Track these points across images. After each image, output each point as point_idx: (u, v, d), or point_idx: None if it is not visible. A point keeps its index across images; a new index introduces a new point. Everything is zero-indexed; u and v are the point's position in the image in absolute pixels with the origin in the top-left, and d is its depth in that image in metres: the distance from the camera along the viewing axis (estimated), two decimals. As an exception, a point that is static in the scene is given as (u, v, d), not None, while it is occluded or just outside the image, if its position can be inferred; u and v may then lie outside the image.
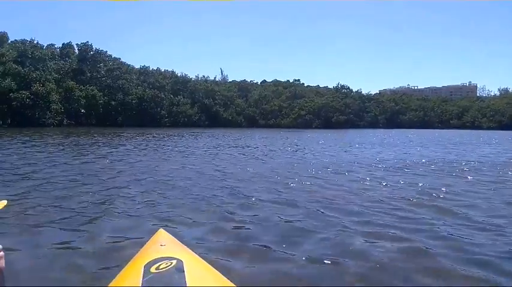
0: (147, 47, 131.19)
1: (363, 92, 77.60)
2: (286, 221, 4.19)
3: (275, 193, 5.69)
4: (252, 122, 60.23)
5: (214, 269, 1.65)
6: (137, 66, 57.78)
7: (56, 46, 51.78)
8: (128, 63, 56.94)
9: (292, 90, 69.46)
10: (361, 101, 72.36)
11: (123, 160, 10.05)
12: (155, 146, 15.58)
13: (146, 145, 15.74)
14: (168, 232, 2.06)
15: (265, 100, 64.97)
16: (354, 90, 74.53)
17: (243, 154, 12.12)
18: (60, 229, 3.82)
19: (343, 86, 73.46)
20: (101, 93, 46.17)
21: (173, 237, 1.98)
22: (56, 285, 2.44)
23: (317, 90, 73.57)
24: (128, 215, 4.32)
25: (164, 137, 22.75)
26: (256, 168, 8.51)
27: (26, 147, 13.73)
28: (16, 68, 39.23)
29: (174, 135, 24.42)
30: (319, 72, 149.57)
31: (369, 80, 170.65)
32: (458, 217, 4.57)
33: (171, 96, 54.01)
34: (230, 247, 3.23)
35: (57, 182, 6.45)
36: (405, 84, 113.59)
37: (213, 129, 44.49)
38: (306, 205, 4.99)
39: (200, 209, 4.72)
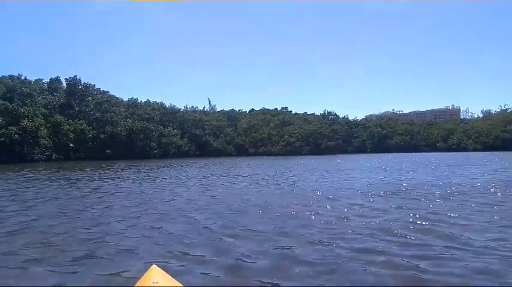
0: (134, 79, 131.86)
1: (349, 118, 79.16)
2: (280, 250, 4.25)
3: (270, 223, 5.72)
4: (241, 151, 60.51)
5: None
6: (126, 98, 58.37)
7: (43, 81, 52.16)
8: (117, 96, 57.47)
9: (281, 118, 70.42)
10: (349, 126, 73.67)
11: (115, 193, 10.04)
12: (147, 177, 15.58)
13: (137, 177, 15.73)
14: (160, 267, 2.03)
15: (254, 128, 65.62)
16: (340, 117, 75.98)
17: (235, 183, 12.17)
18: (50, 269, 3.78)
19: (329, 113, 74.84)
20: (90, 127, 46.15)
21: (166, 273, 1.96)
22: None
23: (305, 118, 74.79)
24: (119, 250, 4.33)
25: (154, 168, 22.77)
26: (251, 196, 8.55)
27: (15, 183, 13.64)
28: (4, 104, 39.21)
29: (165, 167, 24.40)
30: (306, 100, 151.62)
31: (355, 106, 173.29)
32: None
33: (161, 127, 54.21)
34: (225, 282, 3.27)
35: (47, 218, 6.44)
36: (390, 109, 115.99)
37: (203, 158, 44.45)
38: (298, 234, 5.03)
39: (194, 242, 4.70)
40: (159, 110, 59.18)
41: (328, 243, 4.39)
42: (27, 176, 17.13)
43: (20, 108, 39.67)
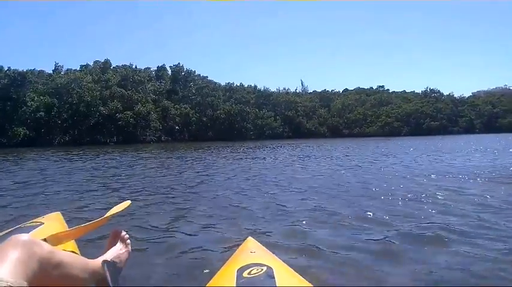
0: (230, 63, 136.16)
1: (454, 95, 72.60)
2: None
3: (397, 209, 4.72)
4: (335, 132, 59.57)
5: (302, 277, 1.67)
6: (223, 83, 60.81)
7: (151, 69, 56.54)
8: (215, 81, 60.17)
9: (377, 97, 67.42)
10: (454, 105, 67.70)
11: (222, 172, 10.33)
12: (259, 156, 15.90)
13: (247, 155, 16.16)
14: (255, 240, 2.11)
15: (349, 109, 63.94)
16: (444, 94, 70.12)
17: (339, 165, 11.67)
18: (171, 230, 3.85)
19: (432, 90, 69.57)
20: (193, 111, 49.19)
21: (261, 245, 2.04)
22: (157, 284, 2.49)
23: (404, 96, 70.48)
24: (222, 221, 4.20)
25: (260, 147, 23.32)
26: (351, 179, 8.02)
27: (134, 160, 15.17)
28: (120, 91, 43.46)
29: (266, 147, 24.93)
30: (405, 77, 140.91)
31: (460, 82, 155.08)
32: None
33: (256, 110, 55.63)
34: (314, 258, 2.93)
35: (162, 191, 6.84)
36: (502, 85, 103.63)
37: (297, 140, 44.57)
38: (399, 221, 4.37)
39: (286, 219, 4.27)
40: (254, 93, 60.60)
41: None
42: (145, 154, 18.77)
43: (133, 95, 43.69)
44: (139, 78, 48.07)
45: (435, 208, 4.52)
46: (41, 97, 39.95)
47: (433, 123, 59.28)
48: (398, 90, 75.64)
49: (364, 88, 75.93)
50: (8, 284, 1.08)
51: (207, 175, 9.28)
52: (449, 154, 15.19)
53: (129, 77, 47.72)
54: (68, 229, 2.15)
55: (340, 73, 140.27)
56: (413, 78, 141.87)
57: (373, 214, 4.31)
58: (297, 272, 1.69)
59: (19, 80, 40.15)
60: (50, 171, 11.26)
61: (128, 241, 1.95)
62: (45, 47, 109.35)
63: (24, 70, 42.22)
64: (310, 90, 74.25)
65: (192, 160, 15.13)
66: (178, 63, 54.52)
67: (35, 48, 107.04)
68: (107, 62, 52.80)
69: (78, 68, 51.22)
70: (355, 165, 10.99)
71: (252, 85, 63.84)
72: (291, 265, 1.75)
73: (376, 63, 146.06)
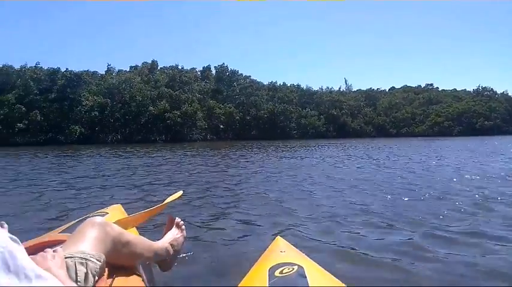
0: (273, 63, 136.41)
1: (509, 94, 68.37)
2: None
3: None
4: (382, 131, 58.08)
5: (334, 277, 1.64)
6: (266, 82, 61.14)
7: (197, 69, 58.00)
8: (258, 81, 60.63)
9: (426, 96, 64.94)
10: (508, 104, 63.76)
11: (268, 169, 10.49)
12: (302, 155, 15.90)
13: (296, 155, 16.24)
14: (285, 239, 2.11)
15: (396, 108, 62.05)
16: (498, 92, 66.25)
17: (384, 166, 11.30)
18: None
19: (485, 88, 65.94)
20: (237, 110, 49.96)
21: (290, 244, 2.03)
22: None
23: (454, 94, 67.38)
24: (246, 222, 4.22)
25: (303, 147, 23.31)
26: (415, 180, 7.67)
27: (181, 157, 15.73)
28: (168, 91, 45.01)
29: (310, 146, 24.83)
30: (455, 75, 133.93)
31: None
32: None
33: (299, 109, 55.48)
34: (347, 259, 2.94)
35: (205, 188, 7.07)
36: None
37: (341, 139, 43.82)
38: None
39: (319, 220, 4.25)
40: (297, 92, 60.43)
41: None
42: (194, 151, 19.39)
43: (180, 95, 45.10)
44: (185, 78, 49.55)
45: (487, 215, 4.27)
46: (95, 97, 42.26)
47: (487, 123, 56.21)
48: (448, 89, 72.49)
49: (411, 86, 73.42)
50: (90, 256, 1.27)
51: (250, 172, 9.54)
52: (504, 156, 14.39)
53: (176, 77, 49.29)
54: (131, 216, 2.42)
55: (385, 71, 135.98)
56: (463, 76, 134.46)
57: (411, 215, 4.25)
58: (328, 271, 1.69)
59: (75, 80, 42.65)
60: (107, 167, 12.07)
61: (183, 226, 2.15)
62: (98, 49, 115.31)
63: (79, 71, 44.87)
64: (354, 89, 72.90)
65: (236, 157, 15.52)
66: (223, 63, 55.69)
67: (89, 50, 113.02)
68: (154, 63, 54.71)
69: (128, 69, 53.72)
70: (401, 166, 10.77)
71: (295, 84, 63.72)
72: (322, 265, 1.75)
73: (424, 60, 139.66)
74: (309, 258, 1.81)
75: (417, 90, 70.46)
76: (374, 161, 12.81)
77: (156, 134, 42.27)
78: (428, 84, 73.43)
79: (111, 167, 12.00)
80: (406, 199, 5.30)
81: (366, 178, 7.82)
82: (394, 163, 11.69)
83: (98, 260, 1.28)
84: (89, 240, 1.36)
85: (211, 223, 4.10)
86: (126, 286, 1.45)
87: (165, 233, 2.06)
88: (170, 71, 52.22)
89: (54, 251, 1.20)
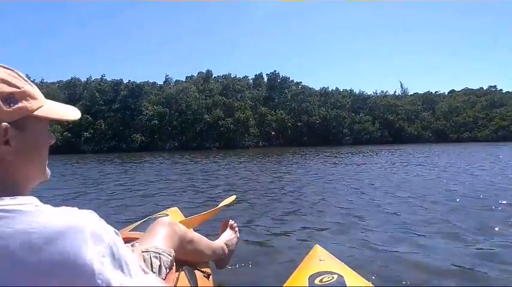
0: (323, 68, 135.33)
1: None
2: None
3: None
4: (441, 137, 55.26)
5: (373, 285, 1.66)
6: (317, 88, 60.85)
7: (249, 77, 59.19)
8: (310, 87, 60.52)
9: (489, 99, 60.95)
10: None
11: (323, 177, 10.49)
12: (356, 162, 15.64)
13: (355, 162, 16.09)
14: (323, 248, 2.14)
15: (456, 112, 58.85)
16: None
17: (444, 172, 10.76)
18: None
19: (557, 88, 60.62)
20: (289, 117, 50.23)
21: (329, 253, 2.04)
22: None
23: (520, 96, 62.72)
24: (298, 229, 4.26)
25: (356, 153, 22.91)
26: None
27: (235, 163, 16.14)
28: (222, 99, 46.39)
29: (363, 153, 24.33)
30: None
31: None
32: None
33: (352, 114, 54.57)
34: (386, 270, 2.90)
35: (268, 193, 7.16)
36: None
37: (398, 145, 42.22)
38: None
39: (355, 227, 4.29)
40: (350, 97, 59.46)
41: None
42: (251, 159, 19.85)
43: (233, 103, 46.29)
44: (238, 87, 50.82)
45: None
46: (154, 106, 44.66)
47: (560, 127, 51.66)
48: (513, 91, 67.49)
49: (473, 89, 69.34)
50: (162, 251, 1.44)
51: (301, 179, 9.69)
52: None
53: (229, 86, 50.70)
54: (188, 218, 2.79)
55: (444, 73, 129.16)
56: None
57: (458, 228, 4.10)
58: (367, 280, 1.71)
59: (136, 91, 45.39)
60: (165, 173, 12.92)
61: (237, 228, 2.34)
62: (156, 60, 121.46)
63: (141, 82, 47.67)
64: (411, 93, 70.22)
65: (288, 164, 15.73)
66: (275, 70, 56.49)
67: (148, 61, 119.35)
68: (209, 73, 56.66)
69: (183, 79, 56.11)
70: (462, 173, 10.27)
71: (348, 89, 62.74)
72: (361, 274, 1.76)
73: (486, 61, 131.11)
74: (348, 267, 1.82)
75: (479, 93, 66.35)
76: (436, 168, 12.31)
77: (210, 141, 43.67)
78: (491, 86, 68.93)
79: (169, 173, 12.85)
80: (457, 211, 5.14)
81: (424, 187, 7.58)
82: (455, 170, 11.26)
83: (169, 254, 1.45)
84: (160, 237, 1.53)
85: (266, 228, 4.28)
86: (191, 279, 1.64)
87: (220, 235, 2.26)
88: (224, 79, 53.82)
89: (132, 245, 1.36)
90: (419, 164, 14.01)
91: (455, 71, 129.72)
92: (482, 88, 69.20)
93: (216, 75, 57.32)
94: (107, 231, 0.70)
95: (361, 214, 4.91)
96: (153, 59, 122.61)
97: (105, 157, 24.68)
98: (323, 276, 1.59)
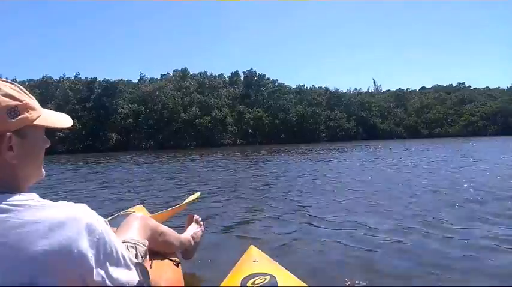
0: (300, 66, 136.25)
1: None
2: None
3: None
4: (413, 133, 56.87)
5: (306, 284, 1.69)
6: (293, 86, 61.44)
7: (224, 75, 59.17)
8: (286, 84, 61.04)
9: (459, 95, 63.16)
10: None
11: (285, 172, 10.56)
12: (331, 158, 16.08)
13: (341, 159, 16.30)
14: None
15: (428, 108, 60.73)
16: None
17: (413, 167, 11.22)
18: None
19: (521, 85, 63.37)
20: (266, 114, 50.62)
21: (264, 253, 2.07)
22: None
23: (488, 93, 65.17)
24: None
25: (332, 150, 23.35)
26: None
27: (212, 161, 16.27)
28: (198, 98, 46.31)
29: (339, 149, 24.90)
30: (487, 73, 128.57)
31: None
32: None
33: (328, 111, 55.46)
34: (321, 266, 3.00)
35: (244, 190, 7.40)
36: None
37: (372, 141, 43.17)
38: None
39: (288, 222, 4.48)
40: (325, 95, 60.34)
41: None
42: (227, 157, 20.06)
43: (210, 101, 46.29)
44: (214, 84, 50.78)
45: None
46: (130, 105, 44.13)
47: (524, 122, 53.99)
48: (481, 87, 70.17)
49: (443, 85, 71.66)
50: (138, 241, 1.55)
51: (276, 176, 9.89)
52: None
53: (205, 83, 50.61)
54: (155, 214, 3.00)
55: (414, 71, 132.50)
56: (496, 74, 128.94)
57: (407, 222, 4.28)
58: (300, 279, 1.73)
59: (111, 89, 44.71)
60: (138, 171, 13.08)
61: (201, 222, 2.53)
62: (130, 58, 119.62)
63: (115, 80, 46.96)
64: (384, 90, 71.86)
65: (261, 161, 16.05)
66: (251, 68, 56.54)
67: (122, 59, 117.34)
68: (185, 70, 56.24)
69: (159, 77, 55.58)
70: (430, 168, 10.76)
71: (323, 87, 63.65)
72: (293, 273, 1.80)
73: (455, 58, 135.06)
74: (281, 267, 1.86)
75: (449, 89, 68.66)
76: (406, 164, 12.73)
77: (188, 140, 43.54)
78: (460, 83, 71.47)
79: (141, 171, 13.03)
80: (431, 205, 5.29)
81: (393, 181, 7.90)
82: (423, 165, 11.63)
83: (143, 244, 1.56)
84: (135, 229, 1.67)
85: (226, 224, 4.45)
86: (162, 267, 1.79)
87: (187, 228, 2.43)
88: (199, 77, 53.64)
89: None
90: (384, 159, 14.57)
91: (426, 68, 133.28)
92: (451, 85, 71.58)
93: (191, 73, 56.99)
94: (99, 221, 0.86)
95: (317, 212, 5.00)
96: (128, 57, 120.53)
97: (79, 158, 24.37)
98: (256, 278, 1.60)
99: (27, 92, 0.91)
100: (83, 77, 46.40)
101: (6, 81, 0.89)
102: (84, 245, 0.78)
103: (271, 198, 6.33)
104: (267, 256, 2.03)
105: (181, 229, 2.44)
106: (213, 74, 56.74)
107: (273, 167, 12.78)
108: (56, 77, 47.20)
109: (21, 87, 0.90)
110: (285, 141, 47.42)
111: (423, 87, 74.18)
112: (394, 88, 70.68)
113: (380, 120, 58.55)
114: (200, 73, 56.68)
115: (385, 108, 60.64)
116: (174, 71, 56.75)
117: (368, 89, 70.91)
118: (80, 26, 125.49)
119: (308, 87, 62.17)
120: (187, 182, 9.00)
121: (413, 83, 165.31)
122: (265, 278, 1.57)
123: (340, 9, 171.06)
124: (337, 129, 54.61)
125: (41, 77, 47.56)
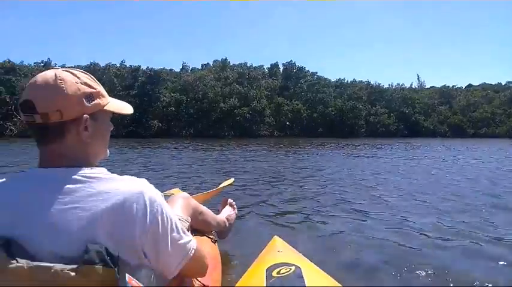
0: (338, 59, 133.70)
1: None
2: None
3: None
4: (458, 132, 54.54)
5: (331, 277, 1.66)
6: (333, 79, 60.50)
7: (264, 66, 59.22)
8: (325, 77, 60.22)
9: (508, 94, 59.75)
10: None
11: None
12: (371, 155, 15.60)
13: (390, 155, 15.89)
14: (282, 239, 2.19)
15: (474, 107, 57.95)
16: None
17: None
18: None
19: None
20: (304, 107, 50.31)
21: (287, 244, 2.07)
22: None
23: (541, 92, 61.14)
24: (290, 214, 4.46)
25: (372, 146, 22.75)
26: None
27: (249, 152, 16.47)
28: (238, 88, 46.71)
29: (379, 146, 24.31)
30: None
31: None
32: None
33: (369, 106, 54.27)
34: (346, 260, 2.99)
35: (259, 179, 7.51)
36: None
37: (414, 139, 41.78)
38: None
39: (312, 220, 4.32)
40: (366, 89, 59.02)
41: None
42: (267, 148, 20.13)
43: (249, 92, 46.58)
44: (254, 75, 50.98)
45: None
46: (172, 93, 45.26)
47: None
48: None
49: (491, 84, 68.03)
50: (181, 216, 1.69)
51: (314, 169, 9.83)
52: None
53: (245, 74, 50.90)
54: (193, 195, 3.22)
55: (461, 67, 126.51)
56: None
57: (441, 221, 4.16)
58: (325, 271, 1.71)
59: (154, 77, 45.98)
60: (178, 157, 13.58)
61: (235, 206, 2.70)
62: (173, 48, 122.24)
63: (158, 69, 48.20)
64: (428, 86, 69.19)
65: (302, 154, 15.95)
66: (291, 60, 56.26)
67: (166, 49, 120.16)
68: (225, 61, 56.78)
69: (199, 67, 56.47)
70: (483, 169, 10.32)
71: (364, 81, 62.21)
72: (318, 265, 1.79)
73: (504, 56, 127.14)
74: (306, 258, 1.84)
75: (497, 87, 65.13)
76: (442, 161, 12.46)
77: (226, 130, 44.14)
78: (509, 81, 67.50)
79: (181, 157, 13.53)
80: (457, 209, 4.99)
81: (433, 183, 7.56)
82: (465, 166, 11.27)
83: (186, 220, 1.71)
84: (178, 207, 1.80)
85: (258, 212, 4.54)
86: (202, 243, 1.83)
87: (221, 211, 2.58)
88: (239, 68, 54.03)
89: None
90: (428, 158, 14.14)
91: (473, 66, 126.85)
92: (500, 83, 67.88)
93: (231, 64, 57.43)
94: (158, 194, 1.00)
95: (355, 207, 4.91)
96: (171, 45, 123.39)
97: (123, 143, 25.42)
98: (281, 268, 1.60)
99: (98, 82, 1.08)
100: (127, 65, 48.01)
101: (82, 72, 1.05)
102: (146, 214, 0.92)
103: (307, 190, 6.35)
104: (290, 247, 2.04)
105: (214, 211, 2.50)
106: (253, 65, 57.03)
107: (311, 160, 12.72)
108: (102, 64, 49.15)
109: (92, 76, 1.07)
110: (323, 135, 46.94)
111: (469, 85, 70.84)
112: (438, 85, 68.04)
113: (423, 118, 56.58)
114: (240, 64, 57.11)
115: (428, 105, 58.49)
116: (214, 61, 57.56)
117: (411, 85, 68.66)
118: (124, 14, 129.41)
119: (348, 81, 61.10)
120: (224, 170, 9.24)
121: (459, 80, 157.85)
122: (291, 268, 1.56)
123: (384, 3, 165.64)
124: (377, 124, 53.37)
125: (89, 63, 49.70)
